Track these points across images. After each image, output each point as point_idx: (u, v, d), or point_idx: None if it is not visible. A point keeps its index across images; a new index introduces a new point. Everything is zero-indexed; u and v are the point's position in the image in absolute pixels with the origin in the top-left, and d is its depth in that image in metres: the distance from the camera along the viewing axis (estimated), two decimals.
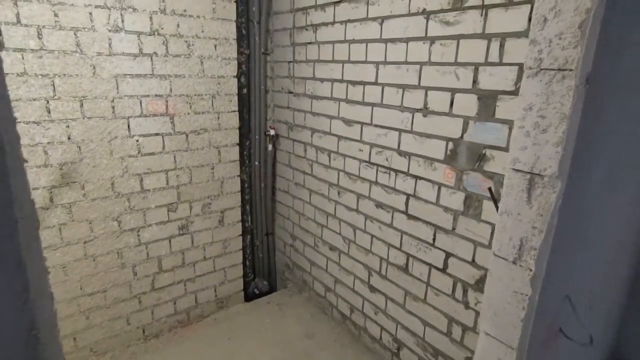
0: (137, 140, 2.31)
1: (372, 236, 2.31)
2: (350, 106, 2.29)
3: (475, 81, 1.63)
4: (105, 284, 2.37)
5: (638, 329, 1.47)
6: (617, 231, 1.20)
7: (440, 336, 1.99)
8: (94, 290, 2.34)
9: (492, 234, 1.66)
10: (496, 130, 1.58)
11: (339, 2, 2.24)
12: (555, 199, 0.76)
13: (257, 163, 2.97)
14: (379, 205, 2.22)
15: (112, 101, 2.19)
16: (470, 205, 1.74)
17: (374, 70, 2.09)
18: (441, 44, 1.74)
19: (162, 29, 2.27)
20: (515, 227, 0.83)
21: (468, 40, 1.64)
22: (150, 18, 2.22)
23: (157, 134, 2.38)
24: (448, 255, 1.88)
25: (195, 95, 2.47)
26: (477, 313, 1.80)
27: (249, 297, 3.10)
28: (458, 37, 1.67)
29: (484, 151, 1.64)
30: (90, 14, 2.03)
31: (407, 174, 2.02)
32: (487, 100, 1.60)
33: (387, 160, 2.12)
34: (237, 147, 2.75)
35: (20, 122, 1.94)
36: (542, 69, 0.74)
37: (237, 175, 2.80)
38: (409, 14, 1.85)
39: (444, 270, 1.91)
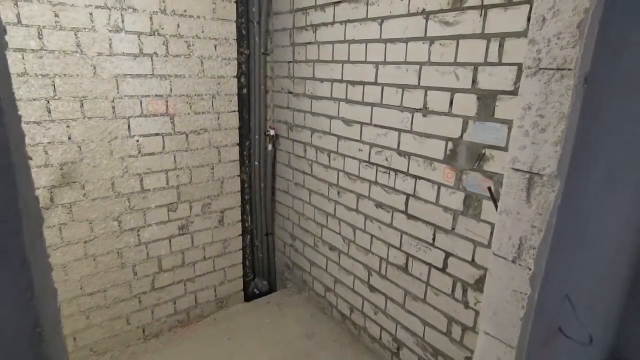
0: (138, 141, 2.32)
1: (372, 236, 2.32)
2: (350, 106, 2.30)
3: (474, 81, 1.64)
4: (105, 284, 2.38)
5: (638, 328, 1.47)
6: (616, 231, 1.20)
7: (440, 336, 1.99)
8: (94, 290, 2.34)
9: (492, 233, 1.67)
10: (496, 130, 1.59)
11: (339, 2, 2.25)
12: (554, 199, 0.76)
13: (257, 163, 2.98)
14: (379, 205, 2.22)
15: (113, 101, 2.19)
16: (470, 205, 1.74)
17: (374, 71, 2.10)
18: (441, 44, 1.75)
19: (163, 29, 2.27)
20: (514, 226, 0.83)
21: (468, 40, 1.64)
22: (151, 18, 2.22)
23: (157, 134, 2.38)
24: (448, 255, 1.88)
25: (195, 95, 2.48)
26: (477, 313, 1.80)
27: (249, 297, 3.10)
28: (458, 38, 1.68)
29: (483, 151, 1.64)
30: (91, 14, 2.03)
31: (407, 174, 2.02)
32: (487, 101, 1.60)
33: (387, 160, 2.12)
34: (237, 148, 2.75)
35: None
36: (541, 69, 0.74)
37: (237, 176, 2.80)
38: (409, 15, 1.86)
39: (443, 270, 1.91)
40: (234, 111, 2.68)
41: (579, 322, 1.08)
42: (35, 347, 0.34)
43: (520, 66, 1.47)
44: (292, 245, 3.10)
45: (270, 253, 3.27)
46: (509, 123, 1.54)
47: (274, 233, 3.27)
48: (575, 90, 0.70)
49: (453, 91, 1.73)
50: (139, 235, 2.44)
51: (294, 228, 3.04)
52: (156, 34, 2.26)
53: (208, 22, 2.43)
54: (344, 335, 2.62)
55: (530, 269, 0.82)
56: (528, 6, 1.42)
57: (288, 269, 3.21)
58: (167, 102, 2.38)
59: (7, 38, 1.85)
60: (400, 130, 2.01)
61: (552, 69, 0.72)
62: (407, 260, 2.11)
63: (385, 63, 2.03)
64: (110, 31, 2.11)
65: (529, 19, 1.42)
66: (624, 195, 1.14)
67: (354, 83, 2.25)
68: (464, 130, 1.71)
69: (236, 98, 2.67)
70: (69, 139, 2.10)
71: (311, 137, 2.67)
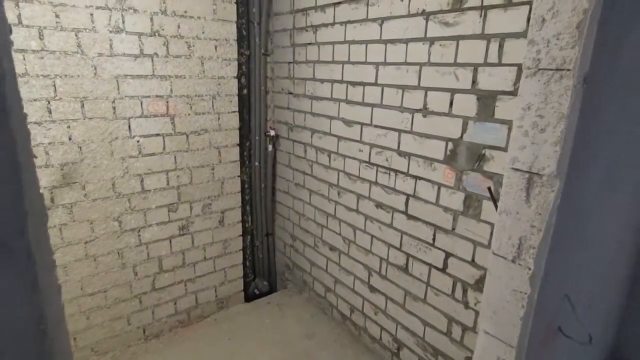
0: (138, 141, 2.32)
1: (372, 236, 2.32)
2: (350, 107, 2.30)
3: (474, 81, 1.64)
4: (105, 284, 2.38)
5: (638, 328, 1.47)
6: (616, 231, 1.20)
7: (440, 336, 1.99)
8: (94, 290, 2.35)
9: (491, 233, 1.67)
10: (495, 131, 1.59)
11: (339, 3, 2.25)
12: (553, 198, 0.76)
13: (257, 164, 2.98)
14: (379, 205, 2.23)
15: (113, 102, 2.20)
16: (469, 205, 1.74)
17: (374, 71, 2.10)
18: (441, 45, 1.75)
19: (163, 29, 2.28)
20: (514, 226, 0.84)
21: (467, 41, 1.65)
22: (151, 19, 2.22)
23: (157, 135, 2.38)
24: (448, 255, 1.88)
25: (195, 95, 2.48)
26: (477, 313, 1.80)
27: (249, 297, 3.10)
28: (457, 38, 1.68)
29: (483, 151, 1.65)
30: (91, 15, 2.04)
31: (407, 174, 2.03)
32: (487, 101, 1.61)
33: (387, 160, 2.12)
34: (238, 148, 2.76)
35: None
36: (540, 69, 0.74)
37: (238, 176, 2.81)
38: (409, 15, 1.86)
39: (443, 270, 1.92)
40: (234, 111, 2.68)
41: (579, 322, 1.08)
42: (39, 344, 0.35)
43: (519, 66, 1.47)
44: (292, 245, 3.10)
45: (271, 253, 3.27)
46: (508, 123, 1.54)
47: (274, 233, 3.27)
48: (574, 91, 0.71)
49: (453, 91, 1.74)
50: (139, 236, 2.44)
51: (294, 228, 3.05)
52: (156, 34, 2.26)
53: (208, 22, 2.43)
54: (344, 335, 2.62)
55: (529, 269, 0.82)
56: (527, 7, 1.42)
57: (288, 269, 3.22)
58: (167, 102, 2.38)
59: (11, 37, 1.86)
60: (400, 131, 2.02)
61: (551, 69, 0.73)
62: (407, 260, 2.11)
63: (385, 63, 2.03)
64: (110, 32, 2.11)
65: (528, 20, 1.42)
66: (623, 195, 1.14)
67: (354, 83, 2.25)
68: (463, 130, 1.72)
69: (236, 98, 2.67)
70: (70, 139, 2.11)
71: (311, 137, 2.67)
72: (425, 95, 1.86)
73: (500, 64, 1.54)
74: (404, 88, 1.96)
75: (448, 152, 1.80)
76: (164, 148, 2.42)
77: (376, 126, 2.15)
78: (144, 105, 2.30)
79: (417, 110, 1.91)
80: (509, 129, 1.54)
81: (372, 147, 2.20)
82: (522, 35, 1.45)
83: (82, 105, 2.11)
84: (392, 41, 1.97)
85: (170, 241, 2.58)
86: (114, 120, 2.22)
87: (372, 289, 2.40)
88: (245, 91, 2.83)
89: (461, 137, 1.73)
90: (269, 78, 2.94)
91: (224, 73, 2.57)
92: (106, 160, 2.24)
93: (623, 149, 1.03)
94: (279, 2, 2.74)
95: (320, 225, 2.75)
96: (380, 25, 2.02)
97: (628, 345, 1.51)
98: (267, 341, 2.57)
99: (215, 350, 2.49)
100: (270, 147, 3.00)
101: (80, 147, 2.14)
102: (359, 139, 2.28)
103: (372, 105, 2.15)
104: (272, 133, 2.97)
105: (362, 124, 2.24)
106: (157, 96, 2.34)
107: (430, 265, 1.99)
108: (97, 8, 2.05)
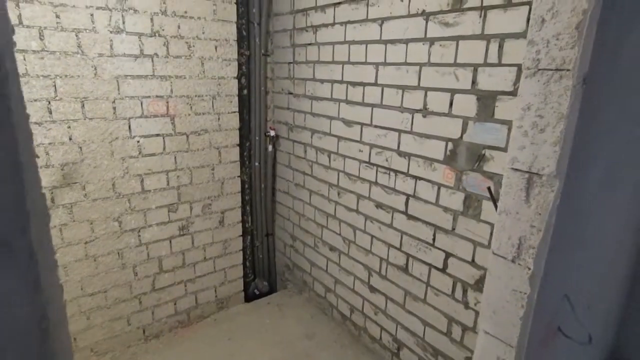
0: (138, 141, 2.32)
1: (372, 236, 2.32)
2: (350, 107, 2.30)
3: (474, 82, 1.64)
4: (105, 284, 2.38)
5: (637, 328, 1.48)
6: (615, 231, 1.21)
7: (440, 336, 1.99)
8: (94, 290, 2.35)
9: (491, 233, 1.67)
10: (495, 131, 1.59)
11: (339, 3, 2.26)
12: (553, 198, 0.77)
13: (257, 164, 2.98)
14: (379, 205, 2.23)
15: (113, 102, 2.20)
16: (469, 205, 1.75)
17: (374, 71, 2.10)
18: (440, 45, 1.75)
19: (163, 30, 2.28)
20: (513, 226, 0.84)
21: (467, 41, 1.65)
22: (151, 19, 2.23)
23: (157, 135, 2.39)
24: (448, 255, 1.89)
25: (195, 96, 2.48)
26: (477, 313, 1.80)
27: (249, 297, 3.10)
28: (457, 38, 1.68)
29: (483, 151, 1.65)
30: (92, 15, 2.04)
31: (406, 174, 2.03)
32: (487, 101, 1.61)
33: (386, 160, 2.13)
34: (238, 148, 2.76)
35: None
36: (539, 69, 0.75)
37: (238, 176, 2.81)
38: (409, 15, 1.87)
39: (443, 270, 1.92)
40: (234, 112, 2.68)
41: (578, 322, 1.08)
42: (40, 342, 0.35)
43: (519, 67, 1.48)
44: (292, 245, 3.11)
45: (270, 253, 3.27)
46: (508, 123, 1.54)
47: (274, 233, 3.27)
48: (573, 91, 0.71)
49: (453, 92, 1.74)
50: (139, 236, 2.44)
51: (294, 228, 3.05)
52: (157, 34, 2.26)
53: (208, 23, 2.43)
54: (344, 335, 2.62)
55: (529, 269, 0.82)
56: (527, 7, 1.43)
57: (288, 270, 3.22)
58: (167, 102, 2.38)
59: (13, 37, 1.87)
60: (400, 131, 2.02)
61: (551, 70, 0.73)
62: (407, 260, 2.11)
63: (385, 64, 2.04)
64: (110, 32, 2.11)
65: (528, 20, 1.43)
66: (623, 195, 1.15)
67: (354, 84, 2.25)
68: (463, 130, 1.72)
69: (236, 99, 2.68)
70: (70, 139, 2.11)
71: (311, 137, 2.67)
72: (425, 95, 1.86)
73: (500, 64, 1.54)
74: (404, 88, 1.96)
75: (448, 152, 1.80)
76: (164, 148, 2.42)
77: (376, 126, 2.15)
78: (144, 106, 2.31)
79: (417, 111, 1.91)
80: (509, 129, 1.54)
81: (372, 148, 2.20)
82: (522, 35, 1.45)
83: (83, 106, 2.11)
84: (392, 41, 1.97)
85: (170, 241, 2.58)
86: (114, 121, 2.22)
87: (372, 289, 2.40)
88: (245, 91, 2.83)
89: (461, 137, 1.73)
90: (269, 78, 2.94)
91: (224, 73, 2.58)
92: (106, 161, 2.24)
93: (623, 149, 1.03)
94: (279, 2, 2.74)
95: (320, 226, 2.75)
96: (380, 25, 2.02)
97: (628, 345, 1.51)
98: (267, 341, 2.57)
99: (215, 350, 2.49)
100: (270, 148, 3.00)
101: (80, 148, 2.15)
102: (359, 139, 2.28)
103: (372, 106, 2.16)
104: (272, 133, 2.97)
105: (362, 124, 2.25)
106: (157, 96, 2.34)
107: (430, 265, 1.99)
108: (98, 8, 2.05)
